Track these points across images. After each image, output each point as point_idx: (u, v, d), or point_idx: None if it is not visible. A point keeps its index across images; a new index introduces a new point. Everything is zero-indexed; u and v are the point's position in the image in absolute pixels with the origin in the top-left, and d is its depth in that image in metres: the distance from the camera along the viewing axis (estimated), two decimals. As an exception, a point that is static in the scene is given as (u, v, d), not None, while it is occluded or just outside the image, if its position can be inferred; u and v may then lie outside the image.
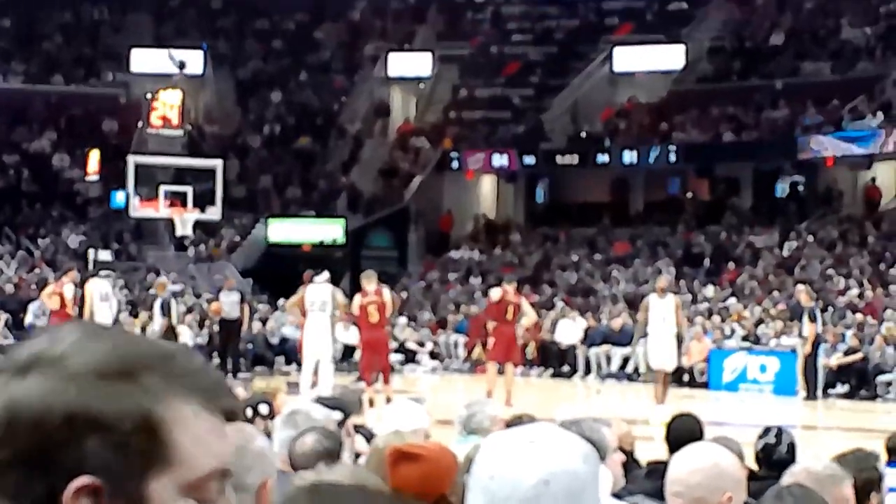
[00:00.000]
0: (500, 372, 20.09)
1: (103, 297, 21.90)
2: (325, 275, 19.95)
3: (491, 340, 20.33)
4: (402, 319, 29.60)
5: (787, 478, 4.50)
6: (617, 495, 5.12)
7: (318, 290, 19.72)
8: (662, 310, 19.54)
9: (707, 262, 32.96)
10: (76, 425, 1.27)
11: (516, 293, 20.49)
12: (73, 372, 1.29)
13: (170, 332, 22.67)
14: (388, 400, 17.96)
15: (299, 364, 21.09)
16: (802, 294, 23.51)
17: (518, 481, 2.24)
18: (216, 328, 26.99)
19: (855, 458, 4.90)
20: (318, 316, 19.59)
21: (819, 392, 23.02)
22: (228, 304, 26.03)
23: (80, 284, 21.97)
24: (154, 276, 33.79)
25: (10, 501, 1.28)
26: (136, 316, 28.01)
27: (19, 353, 1.33)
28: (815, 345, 22.80)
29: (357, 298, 19.54)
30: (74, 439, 1.27)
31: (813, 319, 22.83)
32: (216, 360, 26.36)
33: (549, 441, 2.31)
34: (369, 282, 19.61)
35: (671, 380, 20.15)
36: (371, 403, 17.76)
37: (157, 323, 23.32)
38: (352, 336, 24.05)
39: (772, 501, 3.72)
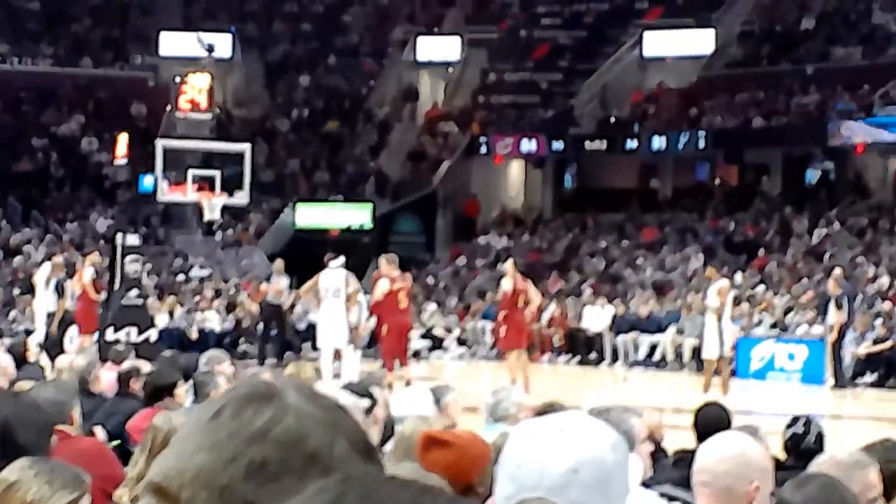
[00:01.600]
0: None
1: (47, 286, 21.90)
2: (340, 260, 19.75)
3: (503, 329, 20.19)
4: (431, 306, 29.54)
5: (813, 467, 4.47)
6: (645, 484, 5.10)
7: (333, 276, 19.54)
8: (708, 297, 19.48)
9: (736, 249, 32.79)
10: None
11: (523, 279, 20.27)
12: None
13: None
14: (408, 384, 17.97)
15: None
16: (831, 281, 23.37)
17: (546, 469, 2.22)
18: (253, 309, 26.98)
19: (883, 448, 4.85)
20: (332, 302, 19.42)
21: (847, 381, 22.89)
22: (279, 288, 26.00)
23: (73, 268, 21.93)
24: (182, 260, 33.85)
25: None
26: (161, 300, 28.07)
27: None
28: (842, 333, 22.68)
29: (384, 284, 19.27)
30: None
31: (839, 307, 22.70)
32: (243, 347, 26.41)
33: (578, 429, 2.29)
34: (394, 266, 19.50)
35: (716, 369, 19.84)
36: (390, 388, 17.74)
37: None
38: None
39: (794, 488, 3.70)
